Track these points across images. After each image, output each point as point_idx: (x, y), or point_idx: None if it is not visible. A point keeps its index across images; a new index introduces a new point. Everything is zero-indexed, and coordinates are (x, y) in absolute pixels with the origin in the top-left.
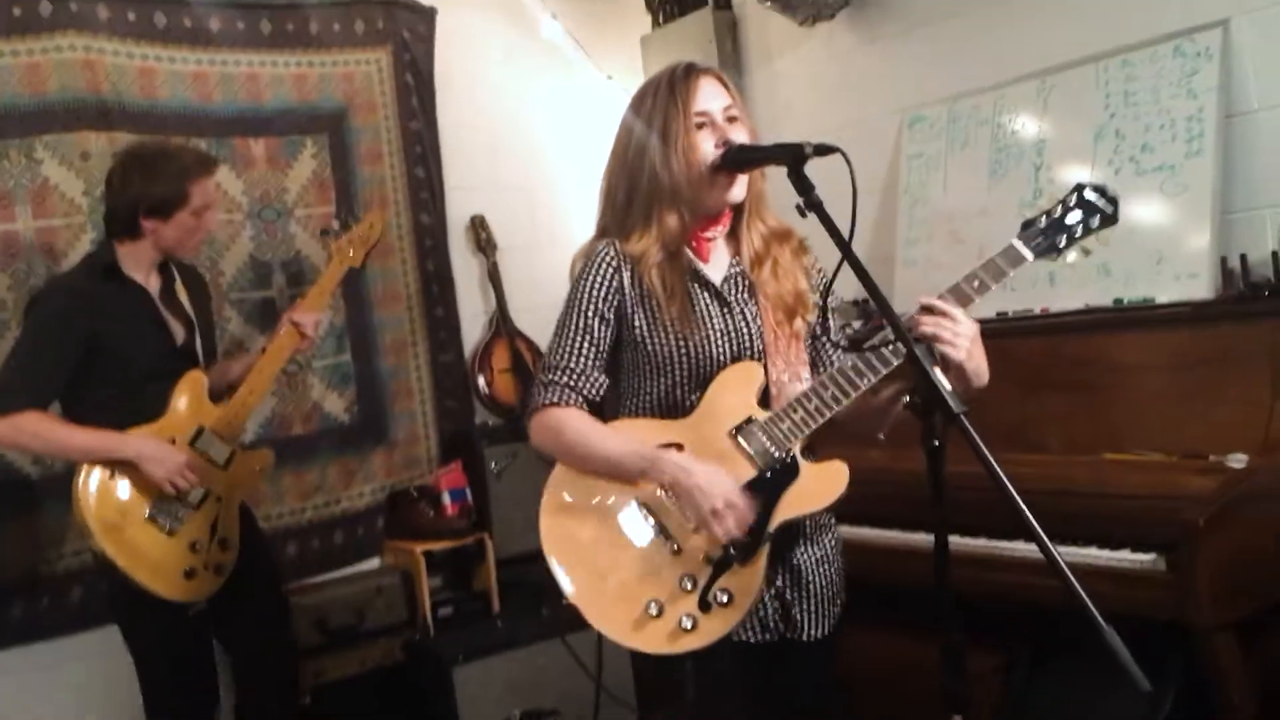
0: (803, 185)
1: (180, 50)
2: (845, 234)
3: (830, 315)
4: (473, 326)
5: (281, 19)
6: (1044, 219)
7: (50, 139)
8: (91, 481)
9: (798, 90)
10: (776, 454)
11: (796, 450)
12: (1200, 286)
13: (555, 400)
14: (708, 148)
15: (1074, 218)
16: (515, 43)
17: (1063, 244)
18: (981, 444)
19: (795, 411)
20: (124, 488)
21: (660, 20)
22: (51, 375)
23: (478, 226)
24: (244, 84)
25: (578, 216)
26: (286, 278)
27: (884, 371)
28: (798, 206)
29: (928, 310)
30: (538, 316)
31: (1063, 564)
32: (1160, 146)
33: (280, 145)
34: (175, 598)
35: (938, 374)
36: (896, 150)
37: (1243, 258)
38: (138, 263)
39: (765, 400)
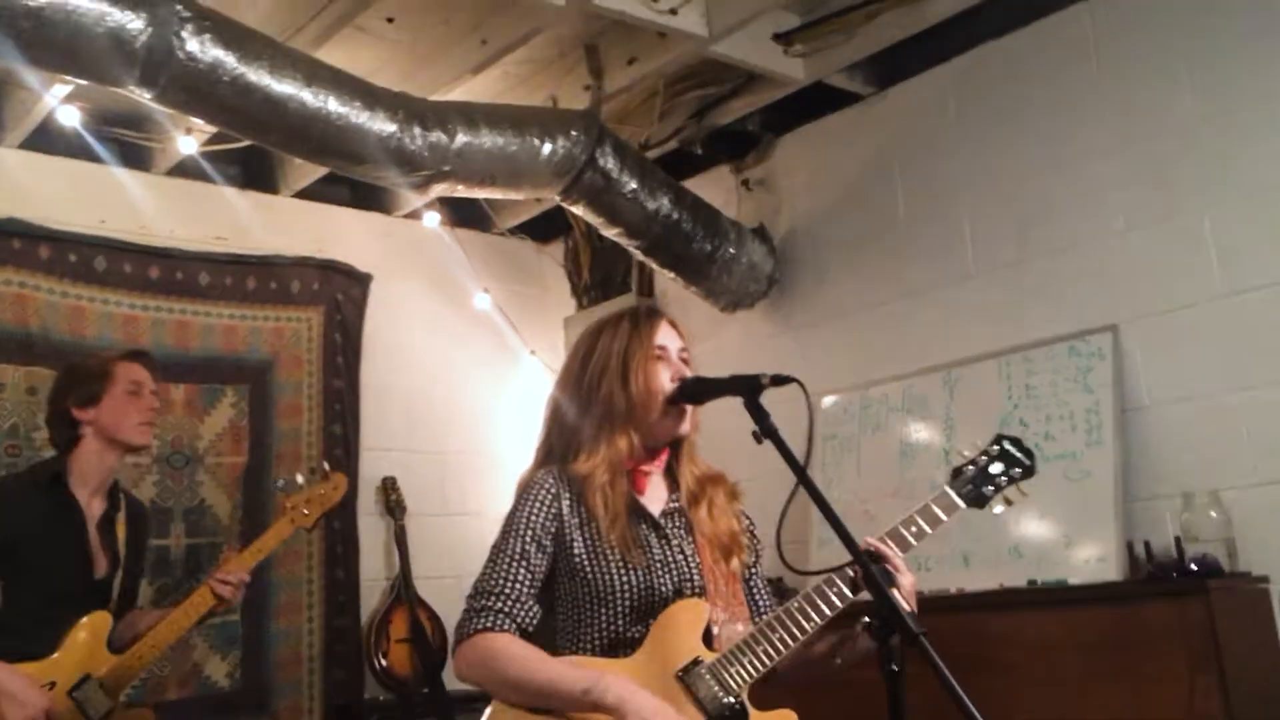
0: (759, 414)
1: (116, 294)
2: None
3: (781, 548)
4: (372, 591)
5: (220, 273)
6: (971, 468)
7: None
8: None
9: (717, 373)
10: (725, 700)
11: (745, 697)
12: (1108, 569)
13: (489, 626)
14: (664, 379)
15: (997, 468)
16: (443, 314)
17: (990, 493)
18: (943, 666)
19: (744, 654)
20: None
21: (584, 303)
22: None
23: (389, 488)
24: (174, 330)
25: (491, 488)
26: (186, 526)
27: (829, 613)
28: (754, 434)
29: (872, 553)
30: (442, 585)
31: None
32: (1061, 435)
33: (200, 392)
34: None
35: (896, 595)
36: (813, 433)
37: (1146, 544)
38: (84, 478)
39: (707, 639)
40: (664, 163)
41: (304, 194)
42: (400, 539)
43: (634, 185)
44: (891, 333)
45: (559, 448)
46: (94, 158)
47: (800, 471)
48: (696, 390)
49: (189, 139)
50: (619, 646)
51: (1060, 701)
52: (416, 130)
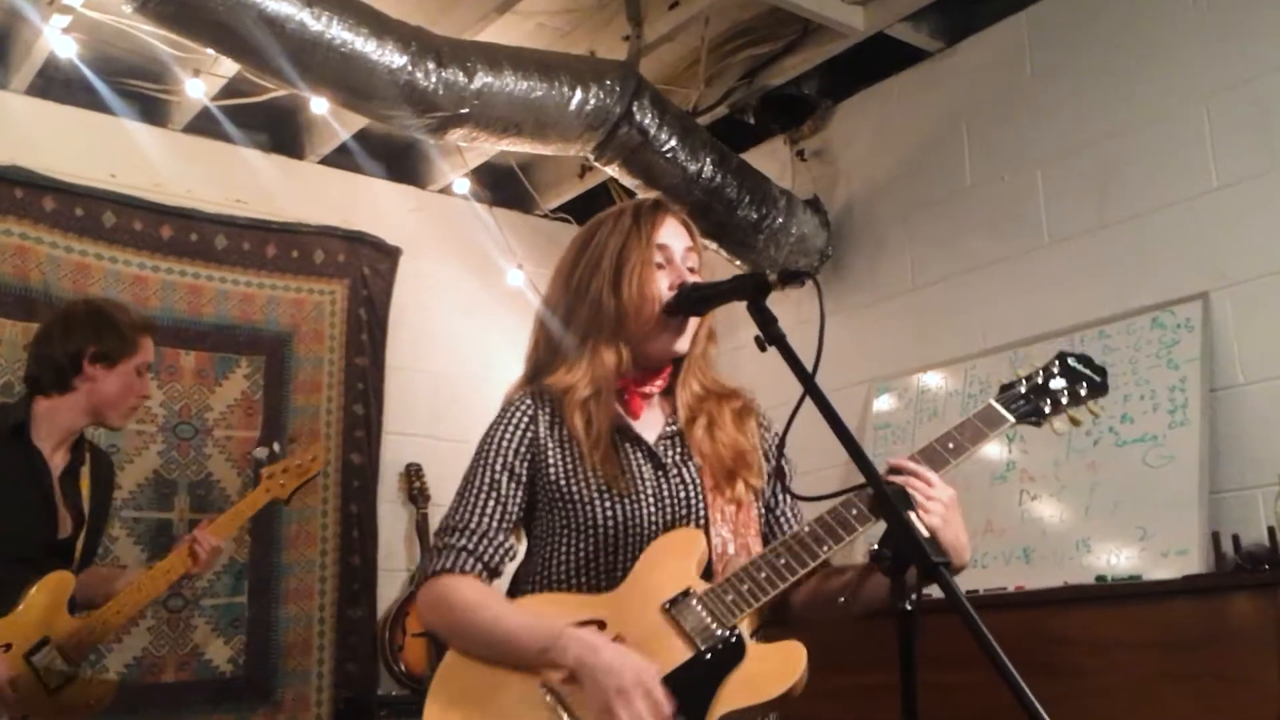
0: (763, 318)
1: (124, 252)
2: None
3: (787, 471)
4: (390, 582)
5: (238, 237)
6: (1024, 383)
7: None
8: None
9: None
10: (719, 631)
11: (743, 628)
12: (1190, 564)
13: (449, 566)
14: (664, 286)
15: (1058, 384)
16: (476, 294)
17: (1048, 409)
18: (965, 599)
19: (742, 582)
20: None
21: None
22: None
23: (412, 475)
24: (185, 294)
25: None
26: (191, 501)
27: (846, 537)
28: (757, 339)
29: (895, 471)
30: None
31: None
32: (1141, 417)
33: (212, 361)
34: None
35: (912, 518)
36: (863, 421)
37: (1235, 538)
38: (51, 429)
39: (708, 575)
40: (713, 134)
41: (332, 161)
42: (422, 529)
43: (673, 144)
44: (952, 311)
45: (543, 361)
46: (107, 109)
47: (808, 379)
48: (695, 299)
49: (197, 81)
50: (599, 582)
51: (1133, 706)
52: (430, 65)
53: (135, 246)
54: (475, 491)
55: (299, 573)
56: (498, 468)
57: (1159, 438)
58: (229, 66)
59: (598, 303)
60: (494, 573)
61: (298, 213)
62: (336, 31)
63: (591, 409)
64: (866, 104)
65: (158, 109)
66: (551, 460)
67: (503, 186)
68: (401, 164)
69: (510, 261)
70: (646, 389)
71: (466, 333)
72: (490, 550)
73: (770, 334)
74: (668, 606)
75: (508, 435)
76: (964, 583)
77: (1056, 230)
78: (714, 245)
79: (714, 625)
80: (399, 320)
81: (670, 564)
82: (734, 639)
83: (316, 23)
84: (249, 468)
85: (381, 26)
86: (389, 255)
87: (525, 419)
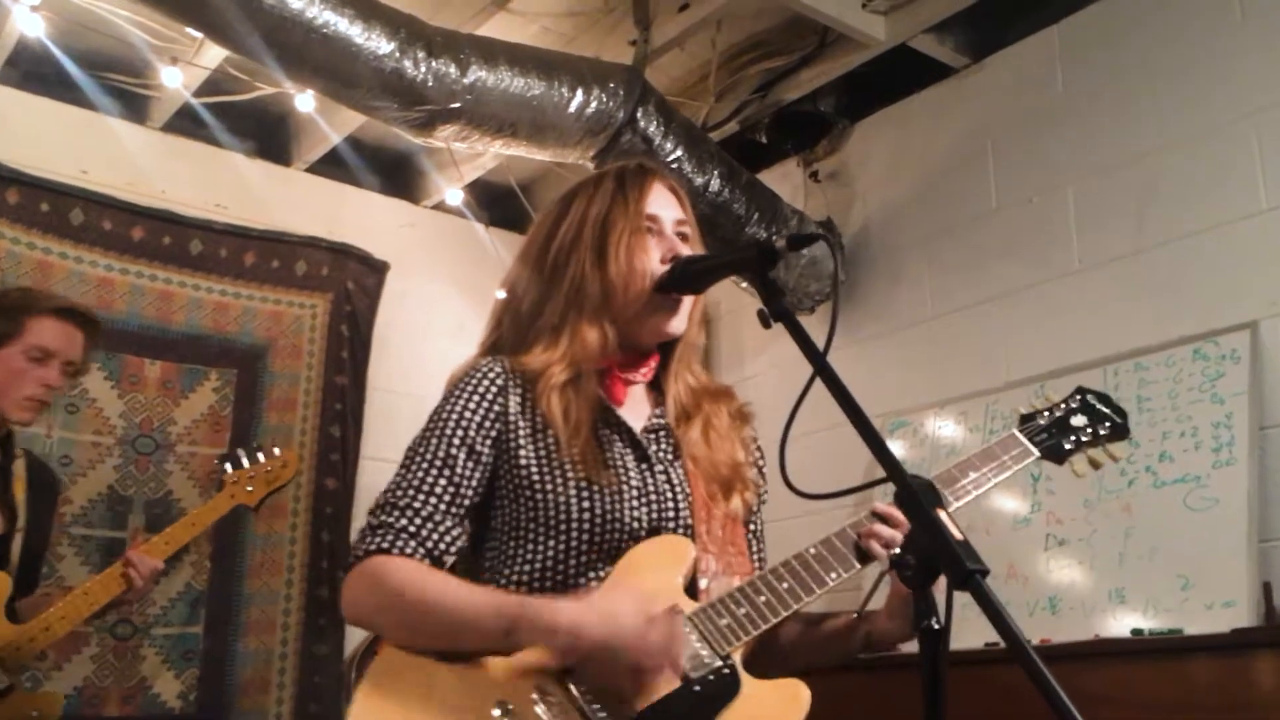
0: (769, 291)
1: (91, 252)
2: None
3: (784, 463)
4: None
5: (215, 242)
6: (1045, 414)
7: None
8: None
9: (769, 391)
10: (710, 660)
11: (737, 659)
12: (1238, 616)
13: (384, 546)
14: (654, 258)
15: (1079, 420)
16: (466, 315)
17: (1069, 446)
18: (1004, 609)
19: (738, 605)
20: None
21: None
22: None
23: None
24: (155, 300)
25: None
26: (147, 520)
27: (857, 565)
28: (760, 313)
29: (882, 519)
30: None
31: None
32: (1181, 456)
33: (179, 372)
34: None
35: (943, 518)
36: (874, 462)
37: None
38: None
39: (692, 591)
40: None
41: (320, 170)
42: None
43: (680, 154)
44: (973, 341)
45: (510, 340)
46: (82, 103)
47: (819, 358)
48: (692, 273)
49: (174, 70)
50: (568, 589)
51: None
52: (420, 54)
53: (103, 247)
54: (425, 465)
55: (261, 603)
56: (455, 441)
57: (1202, 478)
58: (210, 57)
59: (579, 278)
60: (436, 564)
61: (281, 220)
62: (318, 11)
63: (571, 393)
64: (885, 123)
65: (137, 105)
66: (521, 444)
67: (500, 205)
68: (394, 177)
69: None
70: (630, 375)
71: (454, 356)
72: (435, 537)
73: (776, 309)
74: None
75: (471, 405)
76: (981, 634)
77: (1089, 255)
78: None
79: (705, 652)
80: (383, 339)
81: (653, 575)
82: (728, 671)
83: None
84: (213, 487)
85: (369, 10)
86: (376, 270)
87: (494, 389)
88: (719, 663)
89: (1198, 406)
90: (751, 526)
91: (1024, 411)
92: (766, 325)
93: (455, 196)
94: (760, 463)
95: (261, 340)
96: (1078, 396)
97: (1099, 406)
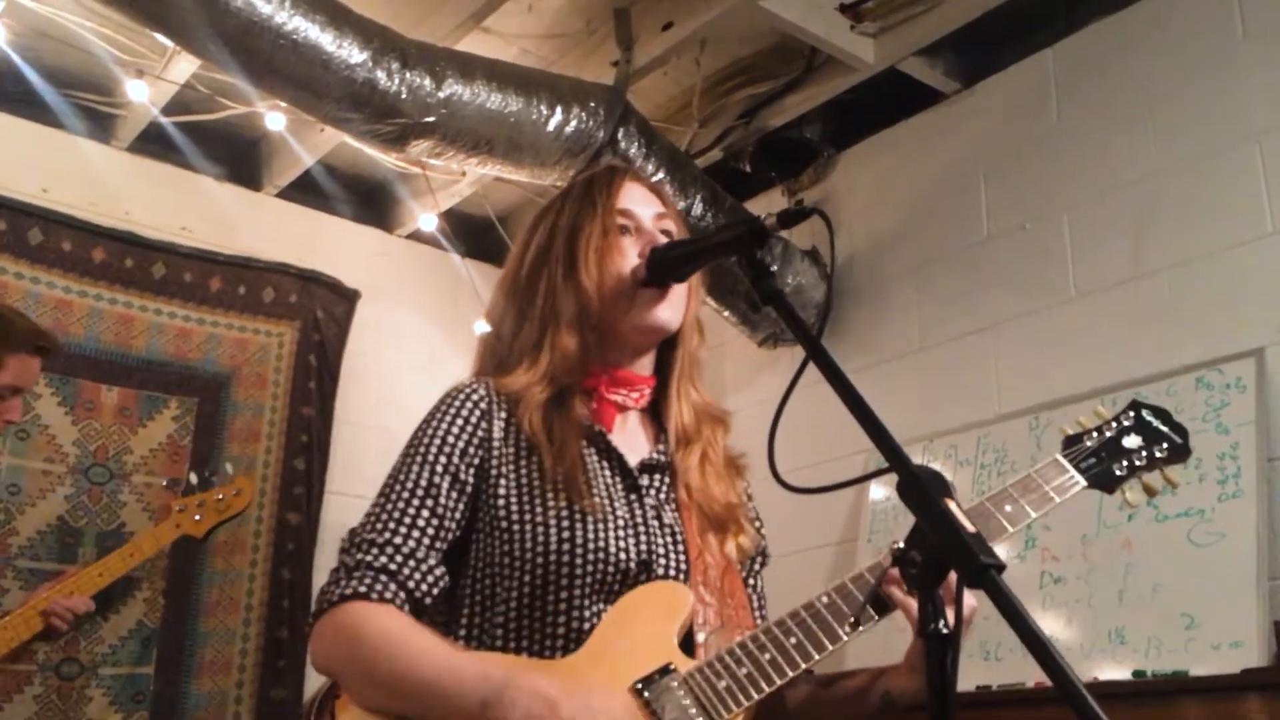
0: (757, 271)
1: (49, 273)
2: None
3: (773, 457)
4: None
5: (179, 266)
6: (1093, 435)
7: None
8: None
9: (752, 426)
10: None
11: None
12: (1247, 656)
13: (363, 591)
14: (632, 257)
15: (1132, 441)
16: (439, 347)
17: (1121, 472)
18: (1023, 607)
19: (739, 665)
20: None
21: None
22: None
23: None
24: (114, 324)
25: None
26: (98, 553)
27: (877, 619)
28: (748, 296)
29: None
30: None
31: None
32: (1185, 488)
33: (137, 399)
34: None
35: (953, 509)
36: (860, 496)
37: None
38: None
39: (687, 646)
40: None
41: (291, 196)
42: None
43: (661, 176)
44: (964, 373)
45: (491, 367)
46: (45, 120)
47: (813, 342)
48: (673, 258)
49: (139, 83)
50: (549, 636)
51: None
52: (394, 66)
53: (62, 268)
54: (406, 497)
55: (217, 643)
56: (439, 469)
57: (1206, 512)
58: (178, 71)
59: (551, 292)
60: (418, 607)
61: (249, 245)
62: (288, 17)
63: (554, 413)
64: (872, 151)
65: (103, 124)
66: (503, 471)
67: (477, 237)
68: (369, 205)
69: (479, 314)
70: (620, 396)
71: (426, 388)
72: (417, 577)
73: (765, 290)
74: (640, 687)
75: (455, 428)
76: (976, 677)
77: (1085, 282)
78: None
79: None
80: (352, 370)
81: (645, 628)
82: None
83: (267, 4)
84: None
85: (341, 17)
86: (346, 299)
87: (477, 413)
88: None
89: (1201, 437)
90: (752, 583)
91: (1069, 432)
92: (755, 309)
93: (429, 222)
94: (756, 519)
95: (225, 368)
96: (1131, 413)
97: (1156, 424)
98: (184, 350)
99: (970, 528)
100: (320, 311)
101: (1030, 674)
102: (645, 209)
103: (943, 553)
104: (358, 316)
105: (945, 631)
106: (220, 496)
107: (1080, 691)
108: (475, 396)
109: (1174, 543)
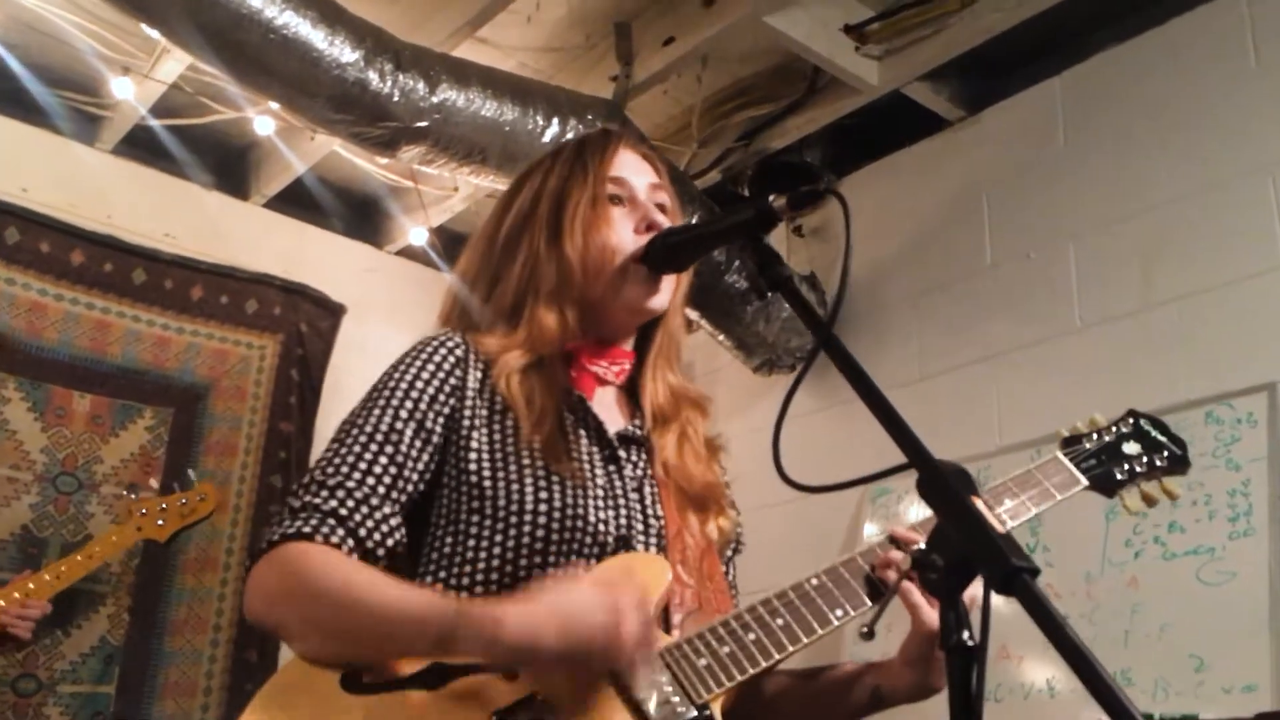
0: (764, 257)
1: (25, 274)
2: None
3: (778, 452)
4: None
5: (160, 273)
6: (1092, 438)
7: None
8: None
9: (747, 454)
10: (682, 709)
11: (716, 709)
12: (1259, 700)
13: (306, 531)
14: (623, 231)
15: (1132, 448)
16: None
17: (1122, 476)
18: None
19: (721, 643)
20: None
21: None
22: None
23: None
24: (90, 329)
25: None
26: None
27: (869, 604)
28: (755, 284)
29: (899, 544)
30: None
31: None
32: (1194, 526)
33: (110, 408)
34: None
35: (980, 508)
36: (856, 526)
37: None
38: None
39: (664, 623)
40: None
41: (279, 208)
42: None
43: None
44: (965, 404)
45: (456, 324)
46: (27, 118)
47: (824, 328)
48: (674, 245)
49: (125, 81)
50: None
51: None
52: (387, 67)
53: (38, 269)
54: (364, 440)
55: (183, 664)
56: (403, 414)
57: (1217, 550)
58: (165, 71)
59: (533, 258)
60: (368, 557)
61: (234, 255)
62: (278, 11)
63: (534, 378)
64: (873, 178)
65: (88, 125)
66: (476, 425)
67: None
68: (358, 218)
69: None
70: (602, 368)
71: None
72: (370, 525)
73: (772, 276)
74: None
75: (425, 374)
76: None
77: (1091, 313)
78: (696, 314)
79: (677, 699)
80: (335, 385)
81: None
82: None
83: None
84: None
85: (333, 15)
86: (332, 313)
87: (451, 359)
88: (693, 713)
89: (1211, 473)
90: (724, 569)
91: (1065, 434)
92: (762, 296)
93: (420, 235)
94: (734, 510)
95: (203, 379)
96: (1130, 420)
97: (1154, 434)
98: (161, 359)
99: (1000, 527)
100: (304, 325)
101: (1032, 717)
102: (639, 178)
103: (969, 556)
104: (343, 332)
105: (971, 644)
106: (184, 501)
107: (1127, 707)
108: (450, 344)
109: (1183, 581)
